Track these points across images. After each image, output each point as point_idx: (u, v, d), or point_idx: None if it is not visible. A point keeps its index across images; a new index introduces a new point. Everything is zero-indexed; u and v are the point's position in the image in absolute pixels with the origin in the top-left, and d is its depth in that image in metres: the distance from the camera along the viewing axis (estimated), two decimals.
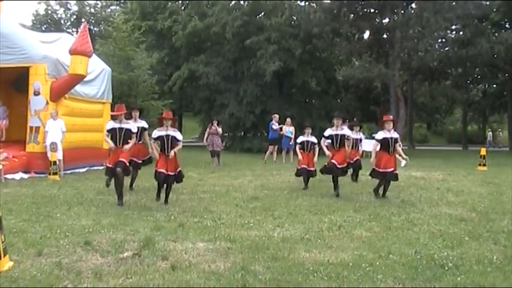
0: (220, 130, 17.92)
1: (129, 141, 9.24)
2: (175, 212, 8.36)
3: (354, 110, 33.57)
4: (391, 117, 11.56)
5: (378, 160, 10.21)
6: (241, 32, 28.46)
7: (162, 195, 9.33)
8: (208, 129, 17.93)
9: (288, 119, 19.71)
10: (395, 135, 10.27)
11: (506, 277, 5.05)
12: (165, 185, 9.28)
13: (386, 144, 10.13)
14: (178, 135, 9.34)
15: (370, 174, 10.51)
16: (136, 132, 9.66)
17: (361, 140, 13.67)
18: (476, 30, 28.52)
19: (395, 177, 10.21)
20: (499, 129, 47.09)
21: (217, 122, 18.26)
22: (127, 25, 22.94)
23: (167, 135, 9.13)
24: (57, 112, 14.15)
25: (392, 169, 10.03)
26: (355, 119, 19.42)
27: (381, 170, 10.12)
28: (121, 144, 9.19)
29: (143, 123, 11.00)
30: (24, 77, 14.68)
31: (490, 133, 44.57)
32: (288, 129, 19.20)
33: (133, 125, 9.58)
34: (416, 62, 28.90)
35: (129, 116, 10.23)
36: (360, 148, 13.64)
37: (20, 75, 15.40)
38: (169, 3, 33.64)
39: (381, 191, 10.29)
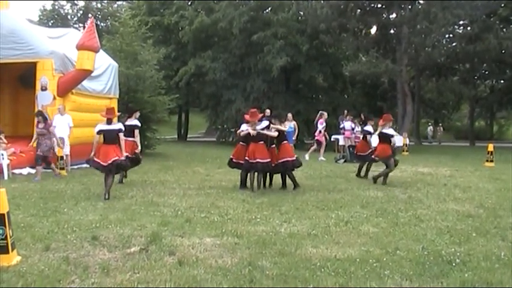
0: (52, 129, 12.74)
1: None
2: (182, 208, 8.37)
3: (360, 106, 33.45)
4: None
5: None
6: (248, 28, 28.41)
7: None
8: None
9: (289, 114, 19.41)
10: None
11: None
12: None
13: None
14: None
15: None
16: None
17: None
18: (484, 25, 28.39)
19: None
20: (440, 124, 46.40)
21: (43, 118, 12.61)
22: (134, 20, 23.00)
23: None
24: (65, 107, 14.20)
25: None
26: (361, 115, 19.34)
27: None
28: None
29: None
30: (31, 72, 14.73)
31: (431, 127, 43.98)
32: (289, 125, 18.92)
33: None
34: (424, 58, 28.80)
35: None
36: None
37: (27, 71, 15.45)
38: None
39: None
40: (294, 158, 10.76)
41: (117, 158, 9.51)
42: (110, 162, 9.40)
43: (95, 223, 6.95)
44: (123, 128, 10.14)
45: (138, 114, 12.13)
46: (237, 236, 6.39)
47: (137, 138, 11.54)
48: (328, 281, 4.73)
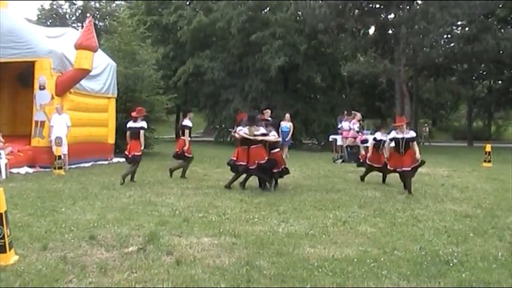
0: None
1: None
2: (179, 207, 8.37)
3: (359, 106, 33.48)
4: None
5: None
6: (246, 27, 28.42)
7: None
8: None
9: (287, 115, 19.41)
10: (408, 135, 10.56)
11: (511, 274, 5.02)
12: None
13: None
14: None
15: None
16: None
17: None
18: (482, 26, 28.37)
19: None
20: (426, 125, 46.19)
21: None
22: (132, 20, 22.99)
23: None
24: (63, 107, 14.19)
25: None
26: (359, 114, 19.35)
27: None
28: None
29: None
30: (30, 71, 14.72)
31: (427, 128, 43.95)
32: (285, 125, 18.88)
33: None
34: (422, 58, 28.81)
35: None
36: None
37: (25, 70, 15.44)
38: None
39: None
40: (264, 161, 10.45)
41: (134, 153, 11.49)
42: (129, 156, 11.55)
43: (92, 222, 6.94)
44: (145, 126, 11.81)
45: (191, 114, 12.81)
46: (235, 235, 6.39)
47: (186, 138, 12.21)
48: (325, 280, 4.73)
